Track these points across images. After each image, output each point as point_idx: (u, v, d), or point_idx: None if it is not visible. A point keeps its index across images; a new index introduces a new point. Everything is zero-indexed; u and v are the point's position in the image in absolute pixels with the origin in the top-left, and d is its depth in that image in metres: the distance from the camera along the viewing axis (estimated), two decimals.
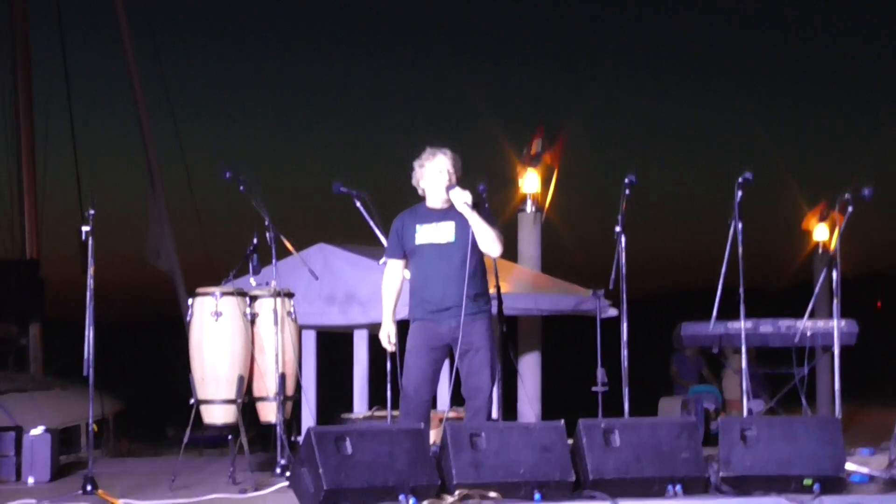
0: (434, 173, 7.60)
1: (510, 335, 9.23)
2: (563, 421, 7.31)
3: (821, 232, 15.75)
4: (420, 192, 7.71)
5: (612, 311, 10.24)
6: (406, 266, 7.71)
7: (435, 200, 7.65)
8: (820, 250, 14.80)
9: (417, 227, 7.60)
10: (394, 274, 7.73)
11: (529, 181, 12.74)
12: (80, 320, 7.67)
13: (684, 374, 14.52)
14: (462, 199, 7.51)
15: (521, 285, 11.69)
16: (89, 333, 7.50)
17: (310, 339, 11.20)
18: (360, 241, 10.70)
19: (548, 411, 11.30)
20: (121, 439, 15.16)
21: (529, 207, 12.59)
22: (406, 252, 7.66)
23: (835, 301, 8.58)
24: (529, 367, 12.01)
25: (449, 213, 7.59)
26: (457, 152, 7.72)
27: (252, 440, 8.47)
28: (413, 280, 7.68)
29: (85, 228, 7.61)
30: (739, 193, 8.29)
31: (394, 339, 7.70)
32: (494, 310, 8.36)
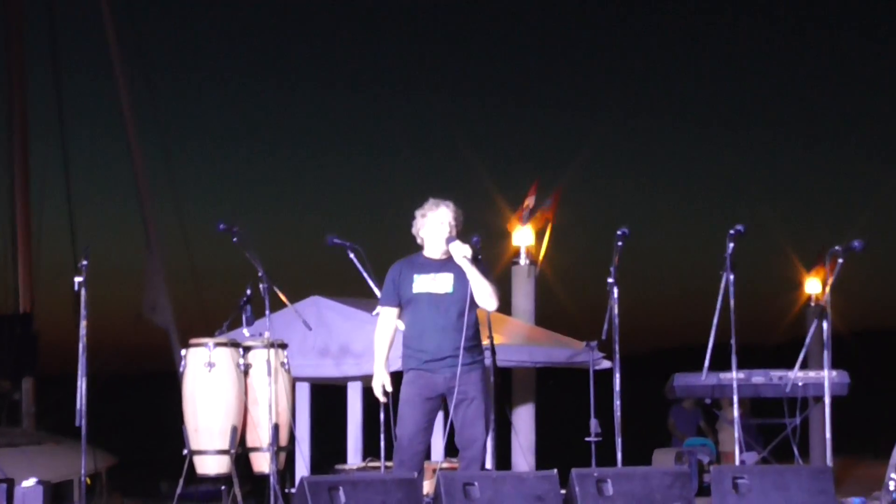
0: (435, 224, 7.64)
1: (504, 387, 9.26)
2: (556, 470, 7.33)
3: (813, 285, 15.83)
4: (419, 241, 7.75)
5: (606, 363, 10.28)
6: (400, 315, 7.73)
7: (433, 251, 7.69)
8: (812, 303, 14.86)
9: (415, 276, 7.64)
10: (387, 323, 7.74)
11: (523, 235, 12.80)
12: (74, 375, 7.70)
13: (682, 426, 14.51)
14: (462, 252, 7.54)
15: (516, 337, 11.72)
16: (81, 384, 7.53)
17: (304, 391, 11.21)
18: (353, 293, 10.74)
19: (542, 463, 11.30)
20: (113, 494, 15.09)
21: (523, 260, 12.65)
22: (402, 301, 7.67)
23: (825, 352, 8.63)
24: (524, 419, 12.03)
25: (447, 264, 7.63)
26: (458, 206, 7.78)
27: (246, 495, 8.47)
28: (408, 330, 7.69)
29: (78, 279, 7.66)
30: (731, 245, 8.36)
31: (388, 388, 7.70)
32: (488, 361, 8.39)
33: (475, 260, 7.60)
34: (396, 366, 7.95)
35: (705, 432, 14.51)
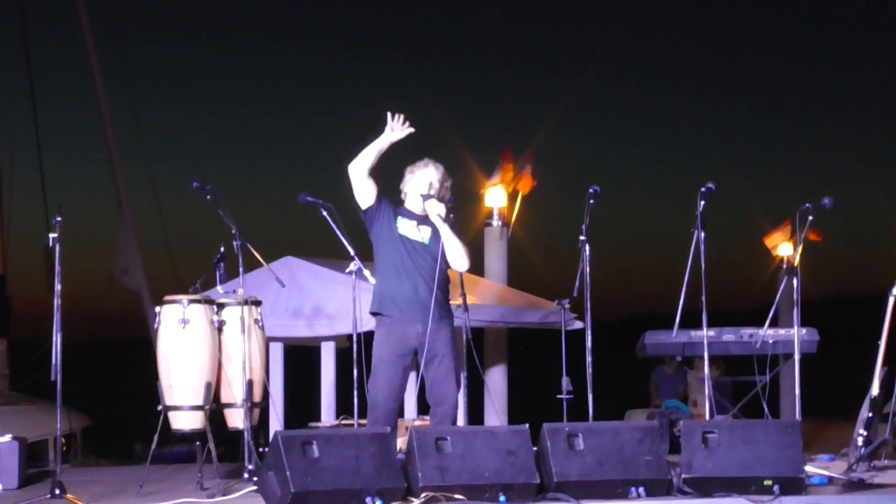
0: (420, 180, 7.81)
1: (477, 346, 9.32)
2: (527, 425, 7.41)
3: (785, 248, 15.90)
4: (402, 195, 7.91)
5: (578, 324, 10.32)
6: (373, 201, 7.73)
7: (414, 206, 7.85)
8: (784, 264, 14.91)
9: (399, 218, 7.78)
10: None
11: (495, 196, 12.84)
12: (47, 341, 7.68)
13: (663, 389, 14.53)
14: (436, 210, 7.72)
15: (488, 298, 11.78)
16: (57, 339, 7.52)
17: (277, 351, 11.24)
18: (327, 253, 10.78)
19: (514, 422, 11.36)
20: (88, 455, 15.12)
21: (496, 221, 12.69)
22: (380, 230, 7.74)
23: (795, 308, 8.70)
24: (496, 379, 12.09)
25: (426, 220, 7.81)
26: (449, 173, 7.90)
27: (221, 455, 8.52)
28: (383, 270, 7.76)
29: (52, 235, 7.64)
30: (702, 203, 8.41)
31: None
32: (458, 321, 8.47)
33: (448, 219, 7.72)
34: (369, 326, 8.01)
35: (684, 396, 14.51)
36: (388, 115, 7.69)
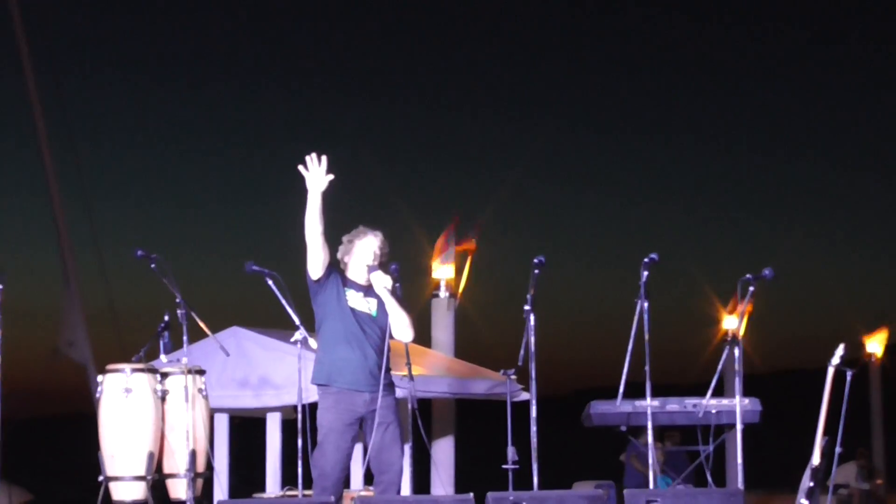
0: (362, 251, 7.78)
1: (425, 417, 9.31)
2: (472, 494, 7.40)
3: (730, 322, 16.05)
4: (342, 266, 7.85)
5: (524, 395, 10.35)
6: (323, 271, 7.62)
7: (357, 276, 7.81)
8: (729, 337, 15.03)
9: (347, 290, 7.74)
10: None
11: (443, 268, 12.89)
12: None
13: (645, 462, 14.39)
14: (383, 282, 7.70)
15: (435, 369, 11.79)
16: None
17: (223, 422, 11.18)
18: (275, 323, 10.75)
19: (461, 491, 11.33)
20: None
21: (443, 293, 12.73)
22: (328, 304, 7.68)
23: (737, 378, 8.77)
24: (443, 450, 12.07)
25: (371, 290, 7.78)
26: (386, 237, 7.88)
27: None
28: (331, 341, 7.69)
29: None
30: (645, 273, 8.50)
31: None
32: (402, 392, 8.46)
33: (394, 291, 7.73)
34: (315, 397, 7.98)
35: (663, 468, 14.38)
36: (300, 168, 7.42)
